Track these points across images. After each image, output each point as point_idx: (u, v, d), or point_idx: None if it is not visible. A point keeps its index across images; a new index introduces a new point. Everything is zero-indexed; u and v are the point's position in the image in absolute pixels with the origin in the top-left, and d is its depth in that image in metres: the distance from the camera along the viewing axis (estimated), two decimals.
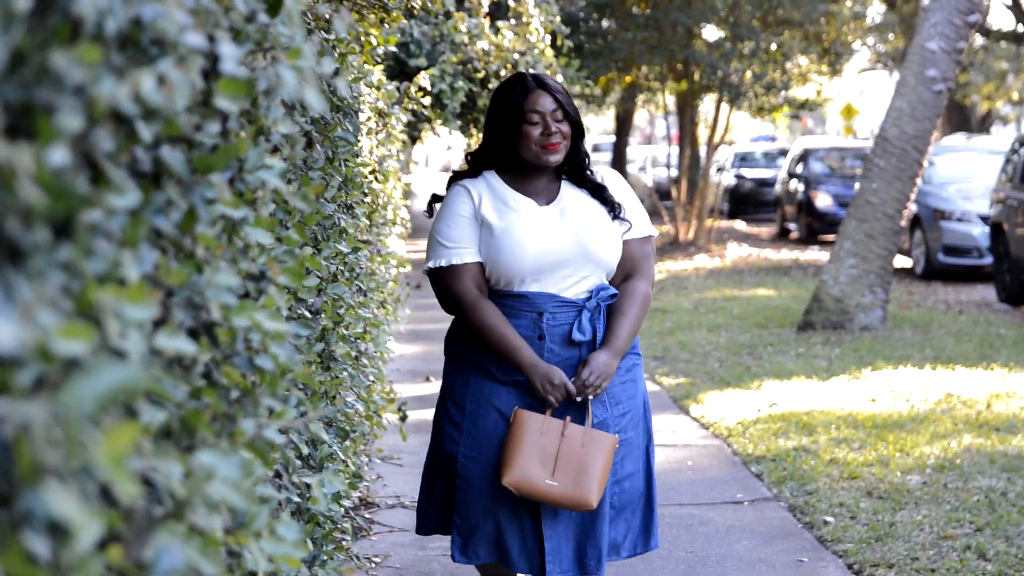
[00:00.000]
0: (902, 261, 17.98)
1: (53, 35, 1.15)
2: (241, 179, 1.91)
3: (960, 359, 10.68)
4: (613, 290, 3.94)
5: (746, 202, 31.01)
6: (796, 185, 24.47)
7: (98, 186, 1.27)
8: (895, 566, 5.35)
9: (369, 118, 5.97)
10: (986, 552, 5.49)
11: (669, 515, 6.05)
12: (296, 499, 2.83)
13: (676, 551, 5.60)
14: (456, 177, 4.02)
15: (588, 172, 4.00)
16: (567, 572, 3.90)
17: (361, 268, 4.89)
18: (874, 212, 12.38)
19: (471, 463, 3.90)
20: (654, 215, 25.23)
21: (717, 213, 26.12)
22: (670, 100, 28.27)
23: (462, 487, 3.92)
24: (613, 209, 3.96)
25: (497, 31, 10.26)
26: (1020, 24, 28.40)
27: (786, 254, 21.76)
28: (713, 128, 23.37)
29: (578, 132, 3.94)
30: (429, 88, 9.24)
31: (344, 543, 4.29)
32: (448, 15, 9.91)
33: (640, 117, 57.47)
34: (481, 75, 10.06)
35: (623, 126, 31.71)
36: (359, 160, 4.73)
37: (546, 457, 3.74)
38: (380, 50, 5.30)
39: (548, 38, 10.23)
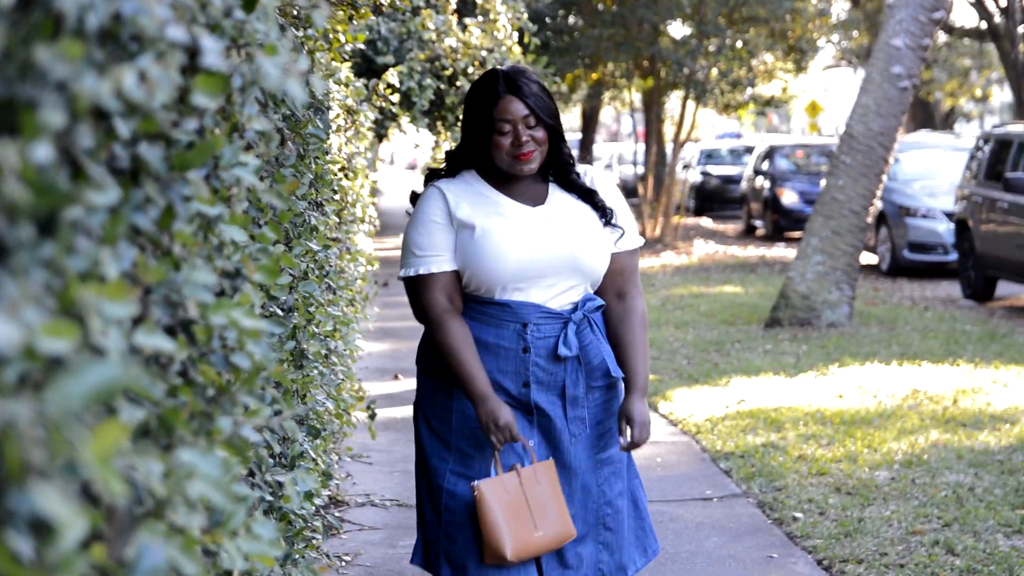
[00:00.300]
0: (868, 258, 18.07)
1: (36, 30, 1.14)
2: (216, 176, 1.90)
3: (926, 355, 10.74)
4: (600, 301, 3.74)
5: (712, 199, 31.11)
6: (762, 182, 24.57)
7: (78, 183, 1.27)
8: (864, 561, 5.37)
9: (338, 115, 5.96)
10: (954, 547, 5.53)
11: None
12: (269, 497, 2.82)
13: None
14: (432, 176, 3.78)
15: (574, 176, 3.75)
16: None
17: (331, 266, 4.88)
18: (840, 209, 12.43)
19: (459, 479, 3.68)
20: None
21: (683, 210, 26.22)
22: (636, 97, 28.37)
23: (449, 506, 3.67)
24: (604, 215, 3.73)
25: (465, 28, 10.27)
26: (983, 21, 28.59)
27: (752, 251, 21.85)
28: (679, 125, 23.44)
29: (556, 135, 3.68)
30: (398, 85, 9.25)
31: (315, 541, 4.28)
32: (416, 12, 9.92)
33: (606, 114, 57.67)
34: (449, 72, 10.05)
35: (589, 123, 31.76)
36: (329, 157, 4.73)
37: (521, 513, 3.54)
38: (348, 47, 5.30)
39: (516, 35, 10.24)
